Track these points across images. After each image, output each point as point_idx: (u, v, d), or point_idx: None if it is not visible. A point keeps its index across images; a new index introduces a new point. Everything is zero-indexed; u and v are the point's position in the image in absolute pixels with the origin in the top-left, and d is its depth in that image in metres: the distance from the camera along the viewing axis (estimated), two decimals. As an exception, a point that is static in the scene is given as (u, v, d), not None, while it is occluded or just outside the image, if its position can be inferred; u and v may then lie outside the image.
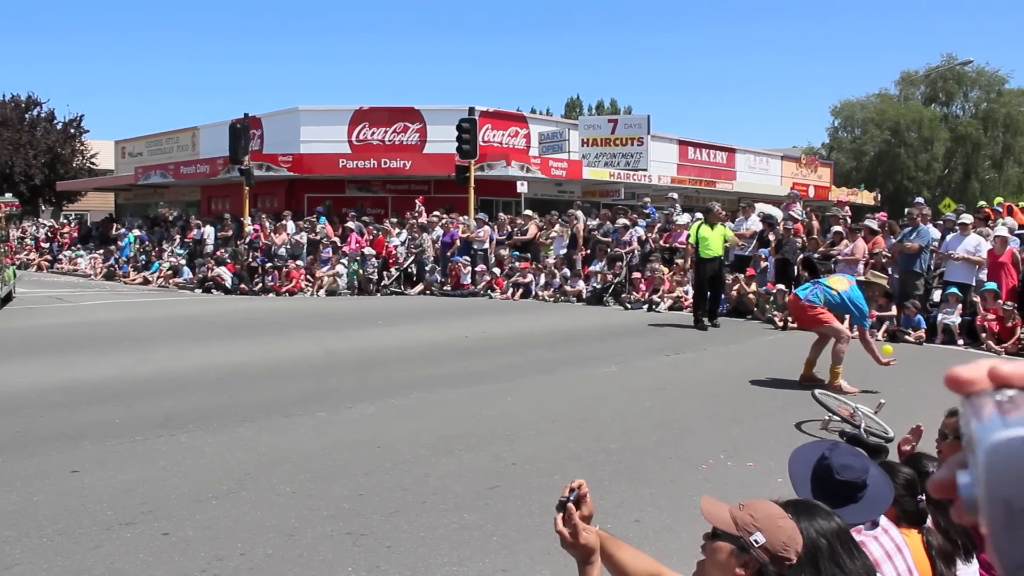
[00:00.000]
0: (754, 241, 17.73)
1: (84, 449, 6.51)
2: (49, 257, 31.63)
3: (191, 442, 6.75)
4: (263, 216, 24.47)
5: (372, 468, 6.12)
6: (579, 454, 6.62)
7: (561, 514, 2.31)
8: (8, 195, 21.72)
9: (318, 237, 22.98)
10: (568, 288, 19.14)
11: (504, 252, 21.24)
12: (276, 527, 4.96)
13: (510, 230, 22.15)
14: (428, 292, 21.06)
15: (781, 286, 15.17)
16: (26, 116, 47.19)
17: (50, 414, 7.68)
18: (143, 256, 26.60)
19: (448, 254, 21.59)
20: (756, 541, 2.09)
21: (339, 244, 22.48)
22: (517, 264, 20.48)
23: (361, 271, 21.42)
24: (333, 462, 6.27)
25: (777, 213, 17.74)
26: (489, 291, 20.11)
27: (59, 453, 6.40)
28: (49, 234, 34.83)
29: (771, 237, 17.23)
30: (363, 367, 10.22)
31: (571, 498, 2.33)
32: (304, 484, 5.73)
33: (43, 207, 48.37)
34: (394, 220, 23.74)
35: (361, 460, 6.33)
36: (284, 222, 23.47)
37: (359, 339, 12.77)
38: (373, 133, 28.41)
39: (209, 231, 25.10)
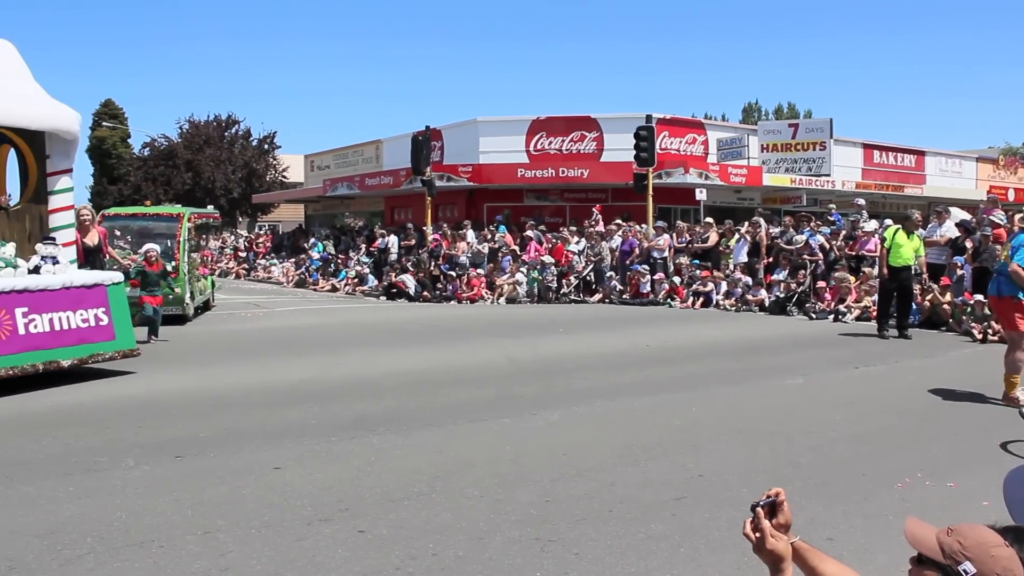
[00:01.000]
0: (948, 248, 16.79)
1: (284, 447, 6.85)
2: (246, 266, 33.59)
3: (382, 444, 6.99)
4: (444, 225, 25.13)
5: (558, 475, 6.15)
6: (767, 467, 6.43)
7: (751, 518, 2.27)
8: (210, 207, 23.18)
9: (497, 246, 23.39)
10: (750, 297, 18.69)
11: (684, 260, 20.97)
12: (465, 529, 5.05)
13: (689, 238, 21.86)
14: (607, 301, 21.05)
15: (979, 296, 14.24)
16: (226, 134, 50.44)
17: (253, 413, 8.14)
18: (331, 264, 27.82)
19: (627, 262, 21.52)
20: (966, 571, 1.93)
21: (518, 252, 22.80)
22: (697, 272, 20.18)
23: (540, 279, 21.64)
24: (519, 468, 6.33)
25: (962, 216, 16.80)
26: (669, 300, 19.90)
27: (262, 451, 6.77)
28: (246, 244, 37.03)
29: (968, 244, 16.27)
30: (546, 374, 10.30)
31: (761, 503, 2.28)
32: (491, 488, 5.82)
33: (240, 219, 51.53)
34: (572, 228, 23.86)
35: (547, 467, 6.36)
36: (464, 231, 24.02)
37: (541, 347, 12.89)
38: (550, 142, 28.69)
39: (393, 240, 25.99)
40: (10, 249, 9.35)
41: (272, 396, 8.97)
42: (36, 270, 9.46)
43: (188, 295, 15.78)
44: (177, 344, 13.10)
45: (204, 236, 19.52)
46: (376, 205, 35.04)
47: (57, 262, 9.63)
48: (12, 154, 10.41)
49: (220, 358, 11.54)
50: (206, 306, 18.40)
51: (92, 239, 11.07)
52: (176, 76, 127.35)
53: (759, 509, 2.28)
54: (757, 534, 2.25)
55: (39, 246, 9.58)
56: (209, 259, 19.27)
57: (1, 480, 5.98)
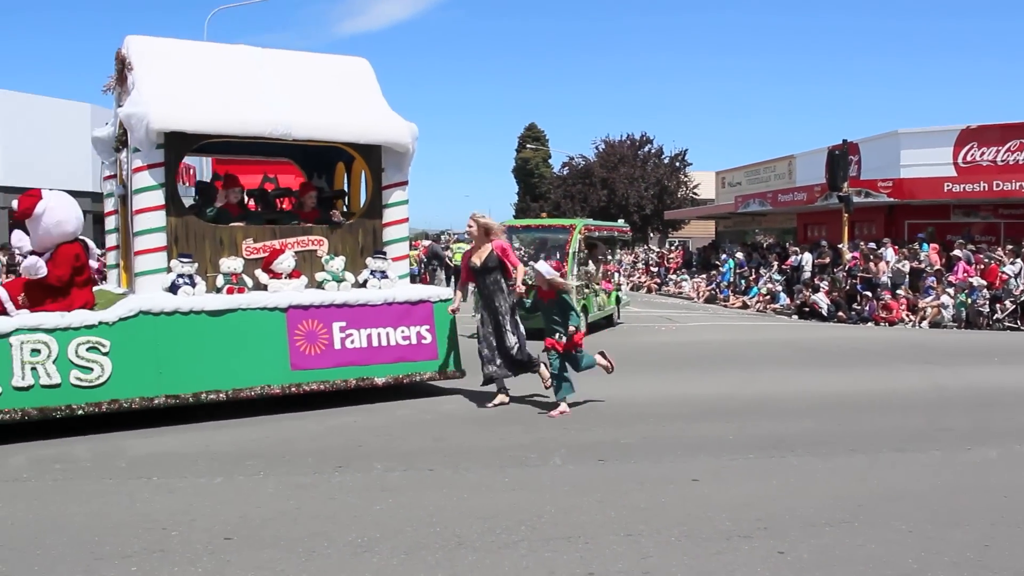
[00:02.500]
0: None
1: (701, 460, 6.94)
2: (658, 280, 34.39)
3: (802, 466, 6.81)
4: (861, 243, 23.90)
5: (998, 519, 5.59)
6: None
7: None
8: (620, 220, 23.98)
9: (921, 265, 21.79)
10: None
11: None
12: (893, 564, 4.77)
13: None
14: (1051, 329, 18.75)
15: None
16: (639, 153, 52.06)
17: (670, 424, 8.34)
18: (742, 281, 27.62)
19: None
20: None
21: (944, 273, 21.07)
22: None
23: (969, 303, 19.81)
24: (952, 505, 5.86)
25: None
26: None
27: (681, 461, 6.91)
28: (657, 259, 37.91)
29: None
30: (980, 407, 9.41)
31: None
32: (921, 524, 5.44)
33: (651, 234, 52.87)
34: (1009, 248, 21.58)
35: (985, 508, 5.82)
36: (883, 250, 22.67)
37: (972, 376, 11.81)
38: (982, 153, 26.16)
39: (807, 258, 25.21)
40: (338, 263, 9.30)
41: (688, 408, 9.12)
42: (364, 284, 9.43)
43: (576, 309, 15.84)
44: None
45: (609, 250, 19.73)
46: (788, 222, 34.19)
47: (385, 276, 9.47)
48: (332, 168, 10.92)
49: (636, 369, 11.93)
50: (609, 321, 18.47)
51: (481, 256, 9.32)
52: (593, 97, 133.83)
53: None
54: None
55: (369, 260, 9.48)
56: (614, 273, 19.27)
57: (450, 466, 6.75)
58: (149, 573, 4.57)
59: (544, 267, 8.73)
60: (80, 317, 7.70)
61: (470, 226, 9.12)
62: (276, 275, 8.86)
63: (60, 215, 7.99)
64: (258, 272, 8.86)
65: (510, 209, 65.07)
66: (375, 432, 7.90)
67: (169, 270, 8.41)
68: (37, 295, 7.84)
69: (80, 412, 7.59)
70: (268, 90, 9.15)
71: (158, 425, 8.02)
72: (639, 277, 35.64)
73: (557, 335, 8.74)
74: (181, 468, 6.63)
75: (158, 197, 8.41)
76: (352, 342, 8.95)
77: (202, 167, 30.98)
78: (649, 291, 33.18)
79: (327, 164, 10.91)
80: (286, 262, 8.89)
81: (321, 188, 10.85)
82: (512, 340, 9.02)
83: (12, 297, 7.77)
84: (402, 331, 9.24)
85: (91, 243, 8.52)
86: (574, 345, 8.78)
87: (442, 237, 31.85)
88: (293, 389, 8.55)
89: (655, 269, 36.31)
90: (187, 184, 30.23)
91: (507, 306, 9.05)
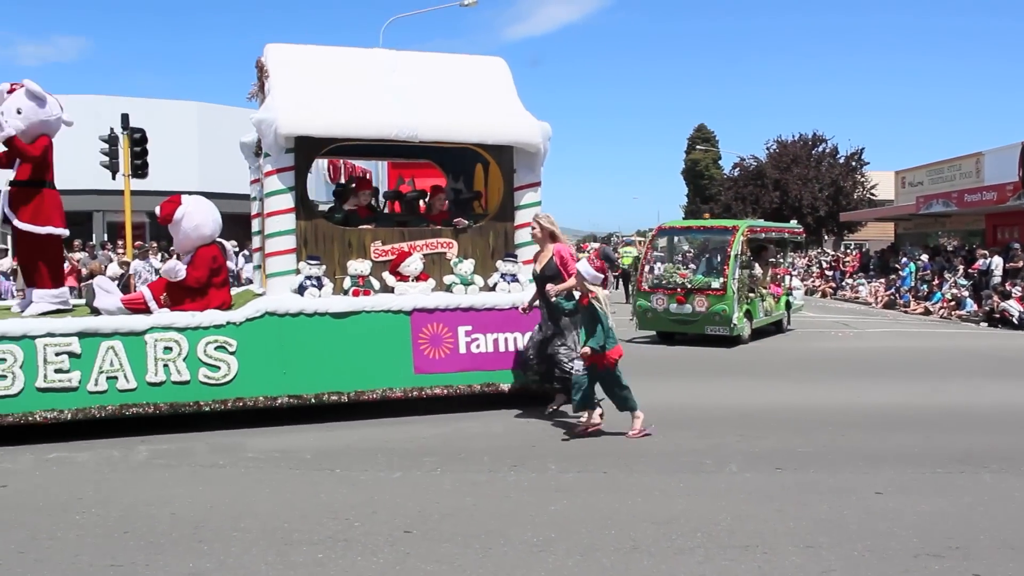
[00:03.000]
0: None
1: (884, 472, 6.65)
2: (833, 284, 33.18)
3: (997, 484, 6.41)
4: (1062, 246, 22.31)
5: None
6: None
7: None
8: (793, 222, 23.23)
9: None
10: None
11: None
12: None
13: None
14: None
15: None
16: (813, 153, 50.37)
17: (849, 433, 8.03)
18: (924, 286, 26.28)
19: None
20: None
21: None
22: None
23: None
24: None
25: None
26: None
27: (862, 472, 6.65)
28: (832, 262, 36.58)
29: None
30: None
31: None
32: None
33: (826, 236, 51.04)
34: None
35: None
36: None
37: None
38: None
39: (996, 261, 23.71)
40: (467, 266, 9.14)
41: (868, 418, 8.75)
42: (493, 287, 9.21)
43: (737, 314, 14.90)
44: (769, 358, 13.45)
45: (780, 252, 18.98)
46: (975, 223, 32.24)
47: (515, 280, 9.18)
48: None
49: (813, 375, 11.57)
50: (778, 327, 17.78)
51: (541, 263, 8.66)
52: (764, 97, 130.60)
53: None
54: None
55: (499, 263, 9.24)
56: (785, 277, 18.42)
57: (624, 468, 6.75)
58: (334, 560, 4.79)
59: (584, 267, 7.75)
60: (209, 317, 8.03)
61: (533, 229, 8.69)
62: (403, 278, 8.87)
63: (198, 219, 8.44)
64: (385, 274, 8.90)
65: (679, 211, 64.37)
66: (548, 433, 7.96)
67: (298, 272, 8.56)
68: (177, 295, 8.30)
69: (207, 408, 7.92)
70: (399, 92, 9.13)
71: (327, 420, 8.32)
72: (813, 281, 34.49)
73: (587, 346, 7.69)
74: (362, 462, 6.88)
75: (288, 200, 8.60)
76: (478, 347, 8.85)
77: (378, 172, 32.09)
78: (824, 295, 32.03)
79: (465, 166, 10.81)
80: (413, 264, 8.89)
81: (458, 190, 10.88)
82: (563, 357, 8.38)
83: (155, 297, 8.28)
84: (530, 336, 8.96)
85: (228, 245, 8.91)
86: (604, 364, 7.67)
87: (612, 239, 31.66)
88: (415, 393, 8.53)
89: (830, 273, 35.04)
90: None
91: (568, 321, 8.41)
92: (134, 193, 20.26)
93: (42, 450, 7.31)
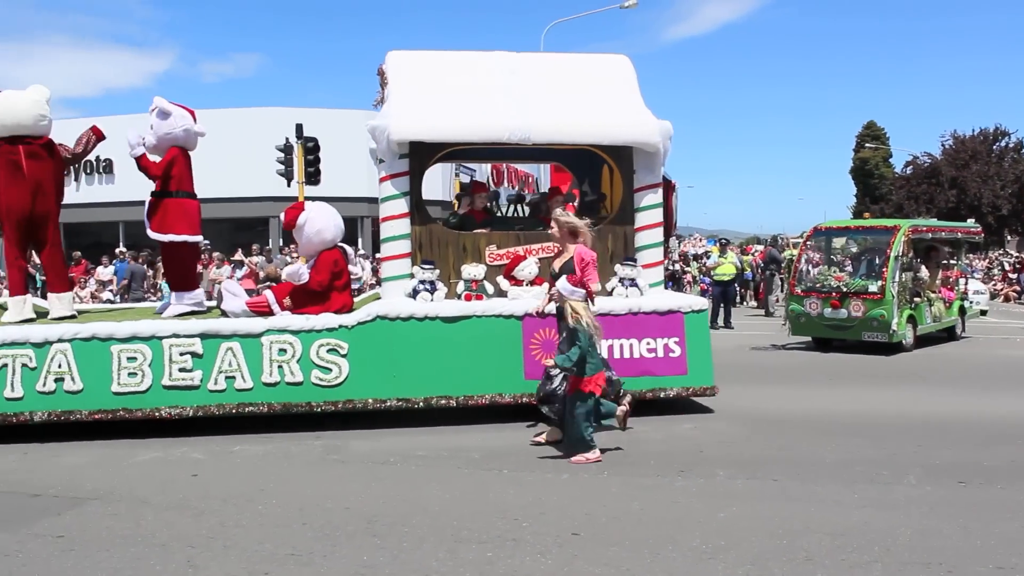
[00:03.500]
0: None
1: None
2: (1017, 288, 31.21)
3: None
4: None
5: None
6: None
7: None
8: (970, 221, 21.92)
9: None
10: None
11: None
12: None
13: None
14: None
15: None
16: (993, 148, 47.56)
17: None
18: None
19: None
20: None
21: None
22: None
23: None
24: None
25: None
26: None
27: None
28: (1016, 265, 34.40)
29: None
30: None
31: None
32: None
33: (1008, 237, 48.09)
34: None
35: None
36: None
37: None
38: None
39: None
40: None
41: (1063, 430, 8.12)
42: (611, 292, 8.87)
43: (897, 320, 13.76)
44: (940, 366, 12.68)
45: (953, 255, 17.75)
46: None
47: (634, 284, 8.86)
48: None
49: (993, 384, 10.74)
50: (950, 334, 16.20)
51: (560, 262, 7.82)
52: (937, 92, 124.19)
53: None
54: None
55: (618, 267, 8.95)
56: (960, 280, 17.10)
57: (795, 477, 6.41)
58: (503, 559, 4.80)
59: (563, 283, 7.21)
60: (323, 320, 8.13)
61: (551, 227, 7.92)
62: (517, 282, 8.74)
63: (320, 224, 8.57)
64: (500, 279, 8.78)
65: (846, 212, 61.87)
66: (716, 438, 7.74)
67: (411, 276, 8.57)
68: (300, 298, 8.39)
69: (318, 410, 8.02)
70: (516, 95, 8.97)
71: (491, 422, 8.26)
72: (994, 285, 32.52)
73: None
74: (529, 463, 6.85)
75: (402, 205, 8.68)
76: None
77: (540, 175, 32.35)
78: (1007, 300, 30.04)
79: (593, 168, 10.41)
80: (527, 269, 8.74)
81: (584, 192, 10.60)
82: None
83: (278, 300, 8.42)
84: (647, 343, 8.62)
85: (350, 250, 9.03)
86: (576, 388, 7.01)
87: (779, 240, 30.76)
88: (525, 399, 8.23)
89: (1013, 276, 32.93)
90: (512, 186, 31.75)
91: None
92: (307, 199, 21.15)
93: (226, 442, 7.65)
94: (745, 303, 24.47)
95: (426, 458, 7.13)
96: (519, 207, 11.43)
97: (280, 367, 8.01)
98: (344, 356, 8.12)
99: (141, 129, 8.88)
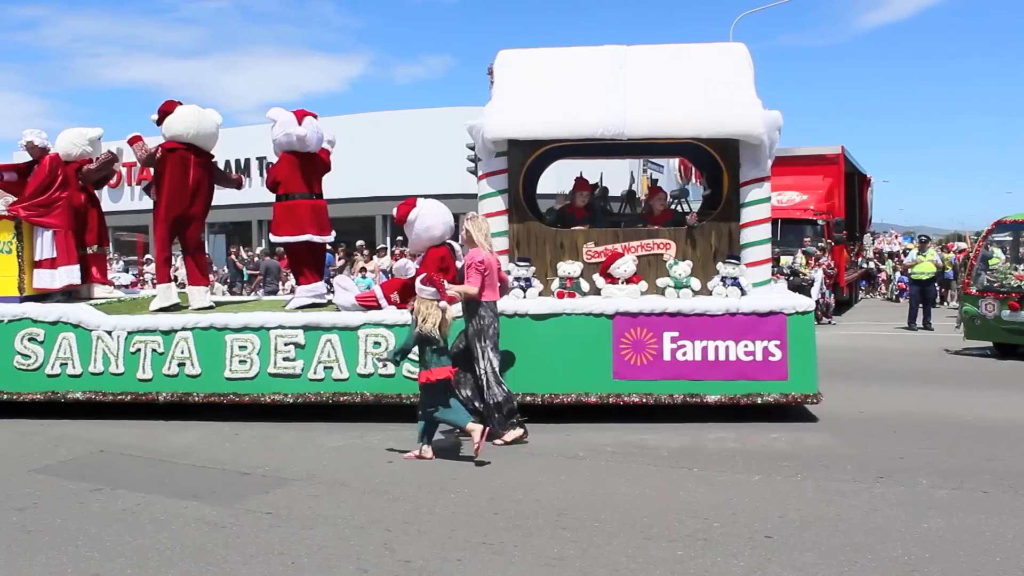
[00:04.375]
0: None
1: None
2: None
3: None
4: None
5: None
6: None
7: None
8: None
9: None
10: None
11: None
12: None
13: None
14: None
15: None
16: None
17: None
18: None
19: None
20: None
21: None
22: None
23: None
24: None
25: None
26: None
27: None
28: None
29: None
30: None
31: None
32: None
33: None
34: None
35: None
36: None
37: None
38: None
39: None
40: (683, 268, 8.61)
41: None
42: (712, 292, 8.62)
43: None
44: None
45: None
46: None
47: (736, 283, 8.49)
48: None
49: None
50: None
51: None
52: None
53: None
54: None
55: (720, 265, 8.61)
56: None
57: (1008, 490, 6.03)
58: (693, 559, 4.78)
59: (417, 281, 7.35)
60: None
61: (462, 231, 8.03)
62: (613, 280, 8.60)
63: (429, 221, 8.72)
64: (596, 276, 8.67)
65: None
66: (918, 446, 7.35)
67: (508, 273, 8.54)
68: (408, 293, 8.47)
69: (407, 402, 8.16)
70: (619, 89, 8.76)
71: (678, 420, 8.21)
72: None
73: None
74: (719, 463, 6.79)
75: (499, 203, 8.78)
76: (684, 354, 8.24)
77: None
78: None
79: (713, 163, 9.68)
80: (623, 266, 8.59)
81: (684, 189, 10.23)
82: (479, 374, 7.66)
83: (386, 295, 8.68)
84: (745, 345, 8.23)
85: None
86: (421, 383, 7.21)
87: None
88: (612, 399, 8.22)
89: None
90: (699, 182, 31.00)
91: (472, 331, 7.73)
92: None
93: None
94: (946, 303, 23.19)
95: (615, 454, 7.17)
96: (628, 205, 11.19)
97: (373, 360, 8.38)
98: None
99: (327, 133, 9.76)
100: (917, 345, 15.10)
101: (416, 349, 7.20)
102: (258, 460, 7.08)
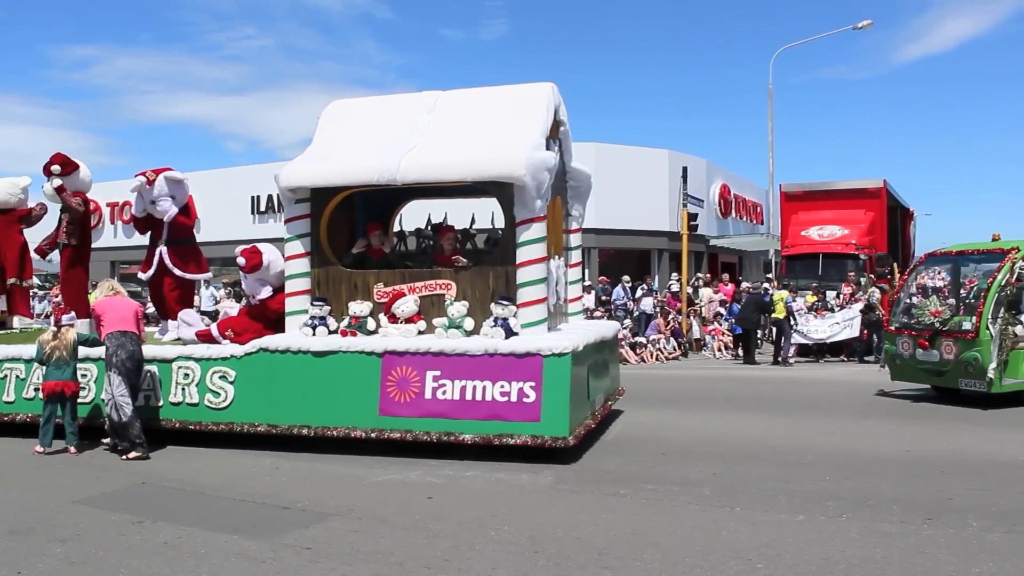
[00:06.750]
0: None
1: None
2: None
3: None
4: None
5: None
6: None
7: None
8: None
9: None
10: None
11: None
12: None
13: None
14: None
15: None
16: None
17: None
18: None
19: None
20: None
21: None
22: None
23: None
24: None
25: None
26: None
27: None
28: None
29: None
30: None
31: None
32: None
33: None
34: None
35: None
36: None
37: None
38: None
39: None
40: (458, 308, 8.70)
41: None
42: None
43: (994, 366, 11.19)
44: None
45: None
46: None
47: (506, 324, 8.40)
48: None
49: None
50: None
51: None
52: None
53: None
54: None
55: (493, 306, 8.58)
56: None
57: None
58: (737, 602, 4.73)
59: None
60: (218, 350, 9.09)
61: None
62: (395, 319, 8.88)
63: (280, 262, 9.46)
64: (381, 316, 8.97)
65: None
66: (965, 486, 7.20)
67: (306, 312, 9.12)
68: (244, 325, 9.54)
69: (206, 429, 8.94)
70: (415, 135, 9.24)
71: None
72: None
73: None
74: (763, 502, 6.70)
75: (299, 246, 9.29)
76: (444, 393, 8.34)
77: (768, 204, 31.35)
78: None
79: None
80: (403, 306, 8.86)
81: (493, 230, 10.36)
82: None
83: (222, 332, 9.43)
84: (501, 386, 8.21)
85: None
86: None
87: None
88: (375, 435, 8.48)
89: None
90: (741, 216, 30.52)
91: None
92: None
93: (460, 467, 8.00)
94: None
95: (656, 491, 7.10)
96: (425, 242, 11.23)
97: (183, 389, 9.06)
98: (232, 383, 8.95)
99: None
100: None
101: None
102: (298, 494, 7.11)
